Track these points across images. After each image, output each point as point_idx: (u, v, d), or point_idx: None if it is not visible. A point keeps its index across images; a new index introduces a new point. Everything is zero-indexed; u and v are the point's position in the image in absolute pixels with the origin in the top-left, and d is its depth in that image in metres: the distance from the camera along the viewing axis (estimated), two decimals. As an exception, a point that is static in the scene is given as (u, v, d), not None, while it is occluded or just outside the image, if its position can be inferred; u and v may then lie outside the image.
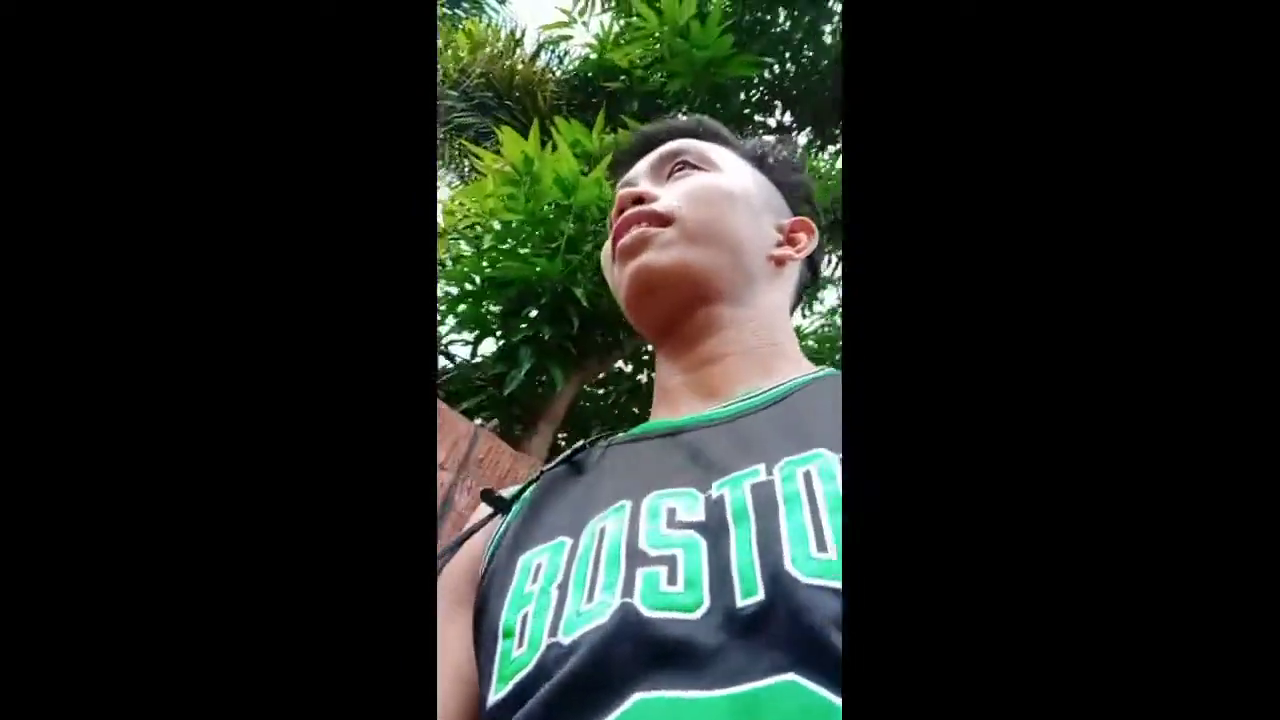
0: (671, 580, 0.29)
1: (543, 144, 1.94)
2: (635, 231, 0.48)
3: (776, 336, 0.48)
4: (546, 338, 1.72)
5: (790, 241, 0.54)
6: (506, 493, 0.43)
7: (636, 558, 0.31)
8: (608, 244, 0.53)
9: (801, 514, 0.30)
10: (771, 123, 3.31)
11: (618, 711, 0.25)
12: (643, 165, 0.56)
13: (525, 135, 1.90)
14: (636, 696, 0.25)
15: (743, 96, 3.05)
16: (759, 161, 0.59)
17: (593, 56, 3.23)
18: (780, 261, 0.52)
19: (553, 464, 0.45)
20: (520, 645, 0.30)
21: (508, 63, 3.39)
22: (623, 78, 2.88)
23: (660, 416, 0.47)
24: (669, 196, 0.50)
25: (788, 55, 3.20)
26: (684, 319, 0.48)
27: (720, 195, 0.51)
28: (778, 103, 3.32)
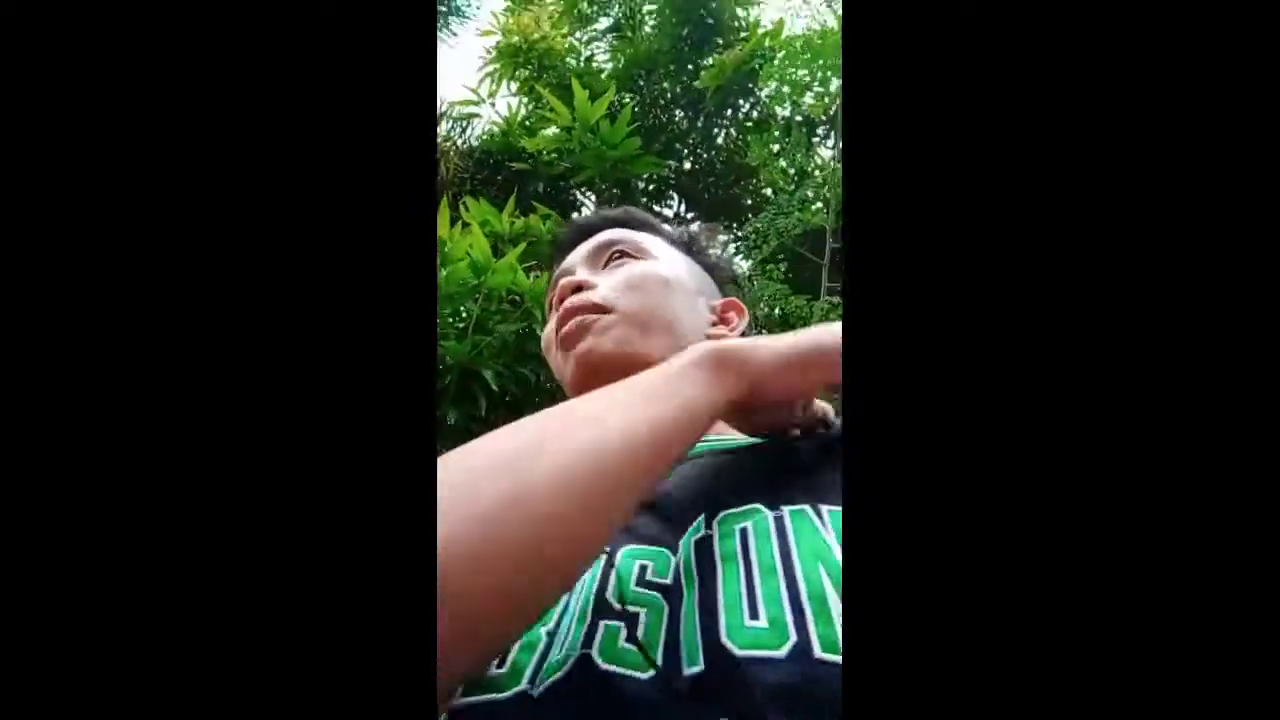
0: (630, 638, 0.30)
1: (452, 221, 1.94)
2: (577, 319, 0.50)
3: None
4: (451, 421, 1.67)
5: (723, 321, 0.57)
6: None
7: (602, 609, 0.32)
8: (549, 330, 0.55)
9: (738, 579, 0.30)
10: (669, 213, 3.52)
11: None
12: (579, 254, 0.58)
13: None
14: None
15: (643, 187, 3.23)
16: (687, 247, 0.63)
17: (497, 134, 3.32)
18: (715, 339, 0.57)
19: None
20: (501, 666, 0.31)
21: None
22: (529, 160, 2.96)
23: None
24: (606, 285, 0.53)
25: (685, 153, 3.46)
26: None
27: (656, 281, 0.53)
28: (674, 194, 3.54)
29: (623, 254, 0.57)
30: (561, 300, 0.53)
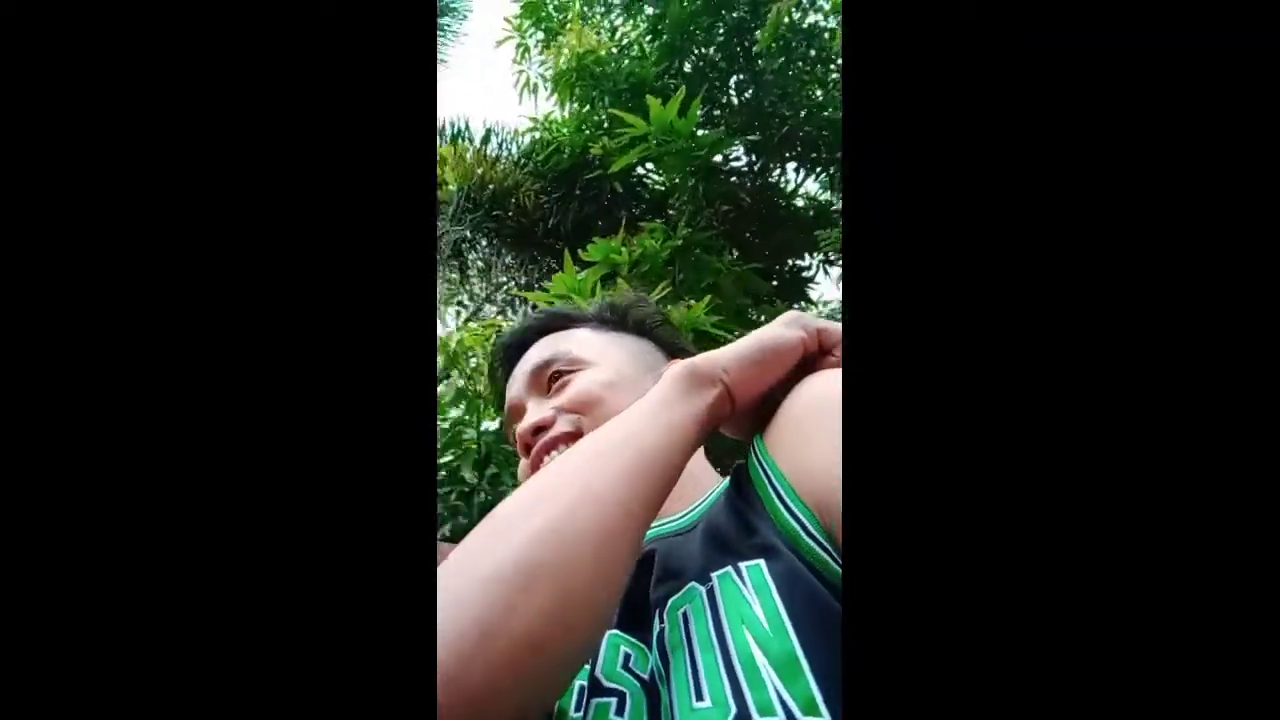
0: (620, 712, 0.34)
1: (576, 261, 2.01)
2: (552, 459, 0.52)
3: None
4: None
5: None
6: None
7: (594, 687, 0.35)
8: (523, 469, 0.56)
9: (684, 663, 0.32)
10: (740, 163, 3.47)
11: None
12: (521, 383, 0.60)
13: (528, 242, 1.93)
14: None
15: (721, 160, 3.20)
16: (614, 322, 0.64)
17: (538, 135, 3.35)
18: None
19: None
20: None
21: (479, 171, 3.46)
22: (598, 168, 2.99)
23: None
24: (561, 416, 0.54)
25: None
26: None
27: (606, 391, 0.55)
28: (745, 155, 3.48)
29: (559, 373, 0.58)
30: (528, 447, 0.55)
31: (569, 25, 3.23)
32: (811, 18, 3.15)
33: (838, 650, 0.28)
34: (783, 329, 0.44)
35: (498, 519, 0.31)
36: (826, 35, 3.10)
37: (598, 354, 0.59)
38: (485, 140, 3.82)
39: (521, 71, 3.53)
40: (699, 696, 0.30)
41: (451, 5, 5.06)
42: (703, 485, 0.51)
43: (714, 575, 0.36)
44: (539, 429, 0.55)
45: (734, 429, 0.46)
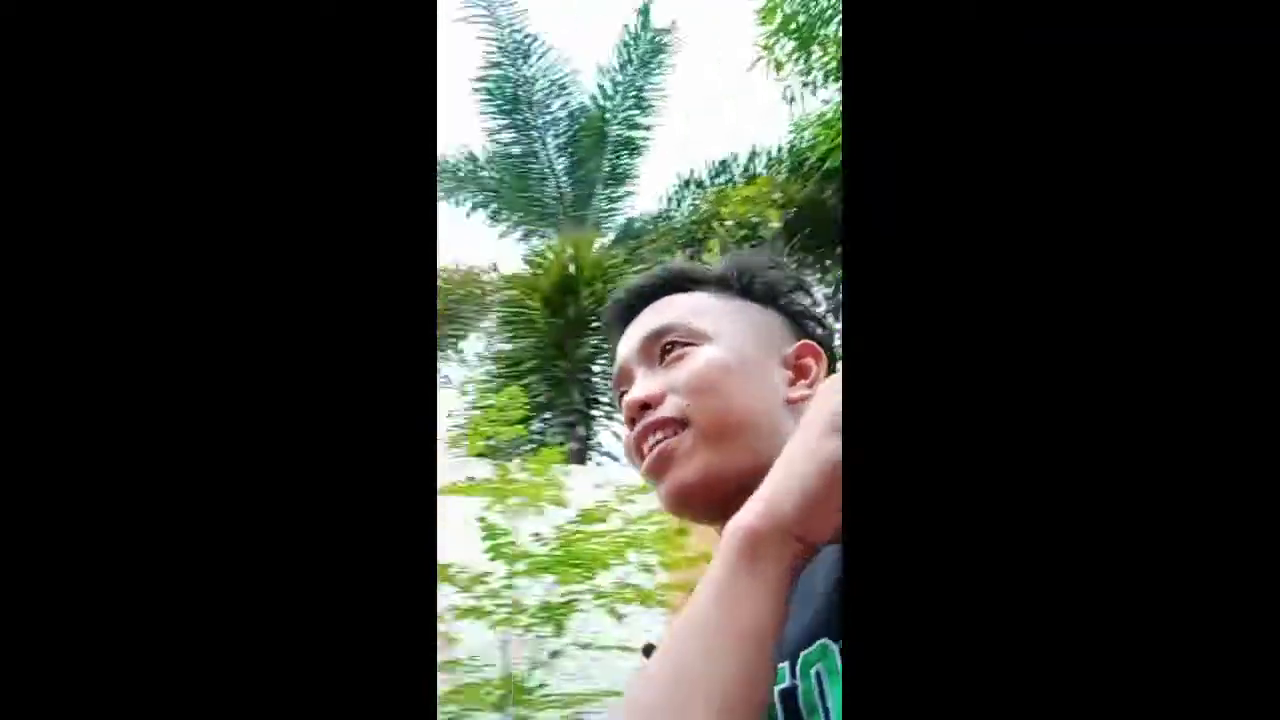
0: None
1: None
2: (655, 447, 0.50)
3: None
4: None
5: (800, 372, 0.54)
6: None
7: None
8: (628, 440, 0.53)
9: None
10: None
11: None
12: (631, 348, 0.55)
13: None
14: None
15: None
16: (741, 289, 0.58)
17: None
18: (797, 401, 0.53)
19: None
20: None
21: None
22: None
23: None
24: (673, 394, 0.51)
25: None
26: (728, 509, 0.47)
27: (721, 374, 0.51)
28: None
29: (674, 344, 0.53)
30: (632, 421, 0.52)
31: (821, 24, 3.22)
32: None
33: None
34: (833, 438, 0.36)
35: None
36: None
37: (718, 327, 0.54)
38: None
39: (784, 84, 3.55)
40: None
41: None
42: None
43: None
44: (645, 405, 0.52)
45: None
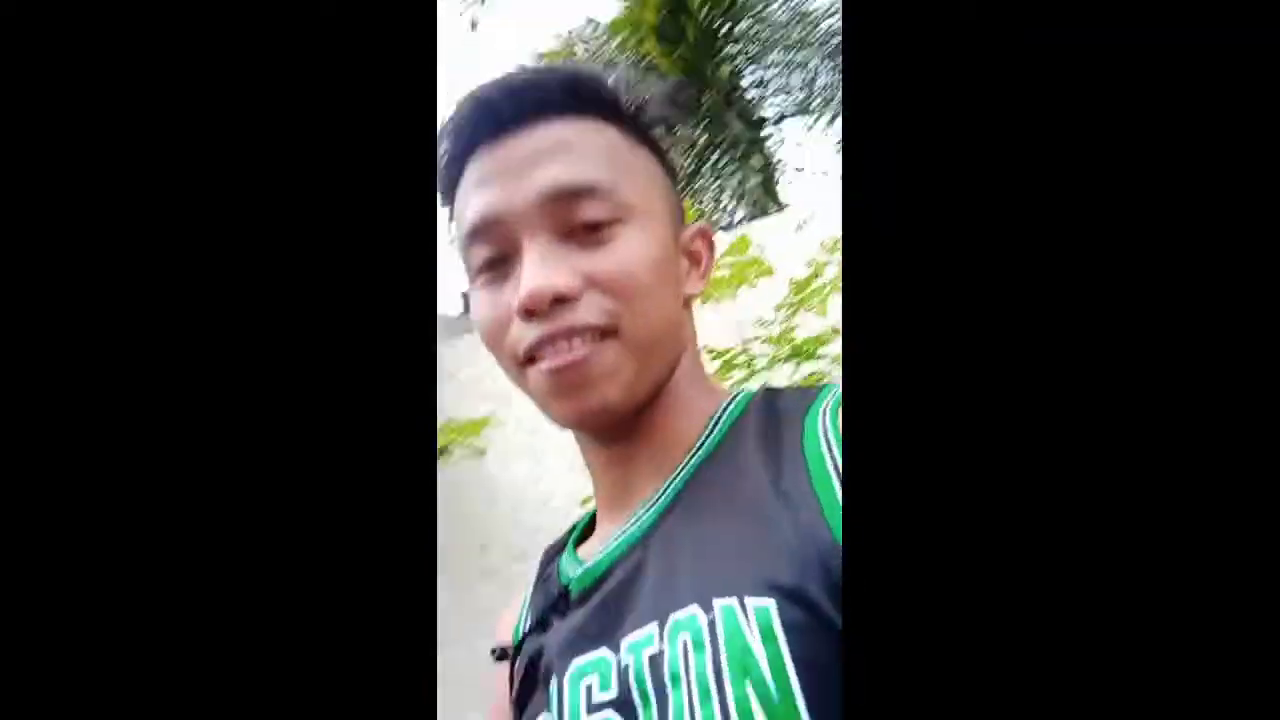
0: None
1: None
2: (569, 361, 0.37)
3: (682, 383, 0.43)
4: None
5: (693, 260, 0.44)
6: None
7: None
8: (514, 340, 0.39)
9: (683, 707, 0.31)
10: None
11: None
12: (525, 205, 0.38)
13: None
14: None
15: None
16: (638, 128, 0.42)
17: None
18: (691, 299, 0.44)
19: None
20: None
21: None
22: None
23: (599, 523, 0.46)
24: (593, 292, 0.38)
25: None
26: (616, 428, 0.41)
27: (652, 274, 0.39)
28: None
29: (600, 222, 0.38)
30: (531, 313, 0.37)
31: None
32: None
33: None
34: None
35: None
36: None
37: (639, 198, 0.40)
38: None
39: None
40: None
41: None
42: (708, 401, 0.43)
43: (717, 605, 0.32)
44: (560, 299, 0.37)
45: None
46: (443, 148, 0.41)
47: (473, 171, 0.40)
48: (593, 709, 0.34)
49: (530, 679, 0.41)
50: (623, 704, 0.34)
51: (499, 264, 0.39)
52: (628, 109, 0.42)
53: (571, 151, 0.39)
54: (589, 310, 0.37)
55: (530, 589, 0.46)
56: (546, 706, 0.37)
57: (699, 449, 0.41)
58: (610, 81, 0.41)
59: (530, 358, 0.38)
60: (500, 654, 0.46)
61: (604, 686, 0.35)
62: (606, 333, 0.38)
